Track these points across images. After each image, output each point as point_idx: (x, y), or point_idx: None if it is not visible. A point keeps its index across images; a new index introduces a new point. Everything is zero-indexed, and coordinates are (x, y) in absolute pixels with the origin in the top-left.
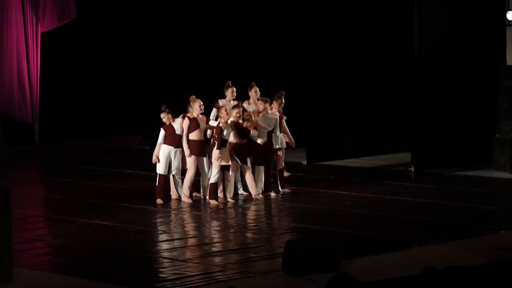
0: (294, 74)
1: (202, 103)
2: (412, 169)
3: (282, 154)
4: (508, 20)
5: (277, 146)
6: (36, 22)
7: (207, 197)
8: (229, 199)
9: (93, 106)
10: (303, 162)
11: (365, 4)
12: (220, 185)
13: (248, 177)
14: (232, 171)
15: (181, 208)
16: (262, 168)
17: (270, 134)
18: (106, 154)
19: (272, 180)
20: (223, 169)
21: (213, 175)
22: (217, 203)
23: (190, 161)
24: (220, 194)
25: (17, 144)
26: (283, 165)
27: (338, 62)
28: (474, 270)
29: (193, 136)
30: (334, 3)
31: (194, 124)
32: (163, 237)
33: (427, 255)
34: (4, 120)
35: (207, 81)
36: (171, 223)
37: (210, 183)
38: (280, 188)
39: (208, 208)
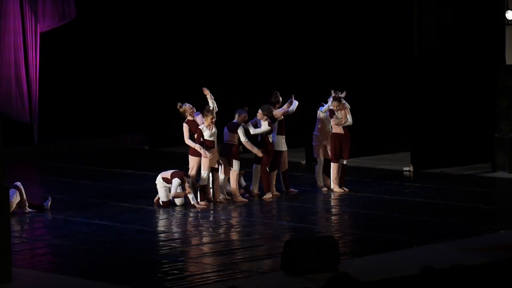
0: (293, 74)
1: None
2: (411, 168)
3: (285, 156)
4: (507, 20)
5: (278, 149)
6: (35, 21)
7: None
8: (220, 199)
9: (92, 106)
10: (303, 162)
11: (365, 5)
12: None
13: (231, 179)
14: (224, 173)
15: (181, 208)
16: (259, 167)
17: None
18: (105, 154)
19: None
20: (213, 171)
21: (203, 178)
22: (208, 204)
23: (192, 162)
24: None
25: (16, 144)
26: (287, 166)
27: (337, 62)
28: (473, 270)
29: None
30: (334, 4)
31: (193, 128)
32: (162, 237)
33: (426, 254)
34: (3, 120)
35: (207, 81)
36: (171, 223)
37: (200, 186)
38: (284, 189)
39: (207, 209)
